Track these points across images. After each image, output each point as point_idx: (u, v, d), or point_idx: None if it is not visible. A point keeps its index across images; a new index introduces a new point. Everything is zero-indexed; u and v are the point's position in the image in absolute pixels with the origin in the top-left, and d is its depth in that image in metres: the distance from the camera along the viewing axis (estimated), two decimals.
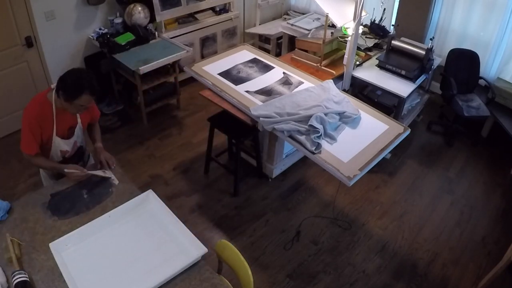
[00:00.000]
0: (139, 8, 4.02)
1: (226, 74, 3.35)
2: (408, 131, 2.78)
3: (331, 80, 3.25)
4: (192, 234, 1.94)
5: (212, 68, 3.41)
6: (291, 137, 2.71)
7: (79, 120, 2.28)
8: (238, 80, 3.27)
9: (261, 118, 2.83)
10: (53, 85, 2.10)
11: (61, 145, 2.27)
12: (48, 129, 2.15)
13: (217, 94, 3.17)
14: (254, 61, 3.57)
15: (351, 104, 2.97)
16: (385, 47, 3.95)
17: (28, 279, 1.70)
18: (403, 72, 3.61)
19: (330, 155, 2.56)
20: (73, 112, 2.15)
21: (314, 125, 2.64)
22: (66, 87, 1.99)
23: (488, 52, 4.17)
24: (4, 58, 3.61)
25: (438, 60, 3.96)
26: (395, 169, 3.76)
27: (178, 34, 4.38)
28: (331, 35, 3.77)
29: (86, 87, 2.00)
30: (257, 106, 2.93)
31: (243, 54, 3.68)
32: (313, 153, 2.56)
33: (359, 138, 2.70)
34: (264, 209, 3.29)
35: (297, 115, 2.78)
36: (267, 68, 3.47)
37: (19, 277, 1.68)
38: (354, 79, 3.71)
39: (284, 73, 3.41)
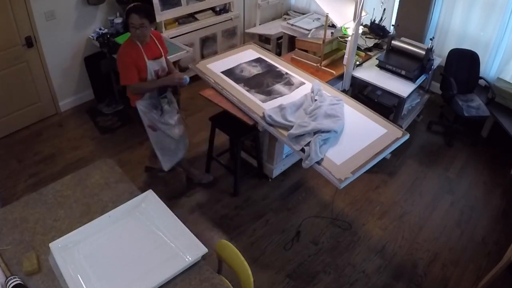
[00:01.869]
0: None
1: (229, 72, 3.35)
2: (407, 136, 2.73)
3: (320, 84, 3.17)
4: (192, 234, 1.94)
5: (216, 66, 3.42)
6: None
7: (162, 52, 2.90)
8: (240, 79, 3.27)
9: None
10: None
11: (153, 66, 2.82)
12: (141, 63, 2.75)
13: (219, 92, 3.18)
14: (258, 60, 3.57)
15: (342, 107, 2.92)
16: (385, 47, 3.95)
17: (22, 282, 1.70)
18: (403, 72, 3.61)
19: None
20: (137, 36, 2.69)
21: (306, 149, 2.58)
22: (127, 13, 2.61)
23: (488, 52, 4.17)
24: (4, 58, 3.61)
25: (438, 60, 3.96)
26: (395, 169, 3.76)
27: (178, 34, 4.39)
28: (331, 35, 3.77)
29: (133, 9, 2.61)
30: (268, 115, 2.83)
31: (248, 53, 3.69)
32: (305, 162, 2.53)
33: (355, 141, 2.67)
34: (264, 209, 3.29)
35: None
36: (270, 67, 3.47)
37: (14, 281, 1.68)
38: (354, 79, 3.71)
39: (286, 73, 3.41)
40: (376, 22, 4.23)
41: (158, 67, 2.88)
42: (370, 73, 3.72)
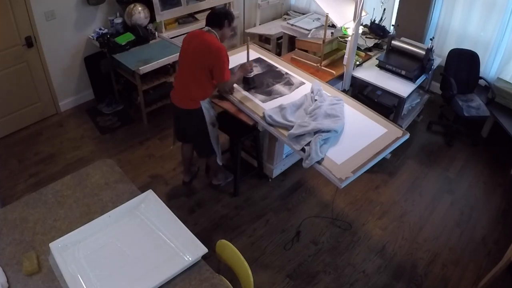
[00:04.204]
0: (139, 8, 4.02)
1: None
2: (407, 136, 2.73)
3: (319, 84, 3.16)
4: (192, 234, 1.94)
5: None
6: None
7: None
8: (240, 79, 3.26)
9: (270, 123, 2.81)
10: (206, 28, 2.82)
11: None
12: None
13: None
14: (258, 60, 3.57)
15: (343, 107, 2.92)
16: (385, 47, 3.95)
17: None
18: (403, 72, 3.61)
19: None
20: (229, 35, 2.98)
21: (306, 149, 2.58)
22: (230, 16, 2.86)
23: (488, 52, 4.17)
24: (4, 58, 3.61)
25: (438, 60, 3.96)
26: (395, 169, 3.76)
27: (178, 34, 4.38)
28: (331, 35, 3.77)
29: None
30: (269, 115, 2.83)
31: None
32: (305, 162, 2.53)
33: (355, 141, 2.67)
34: (264, 209, 3.29)
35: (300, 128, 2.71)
36: (270, 67, 3.47)
37: None
38: (354, 79, 3.71)
39: (286, 73, 3.41)
40: (376, 22, 4.23)
41: None
42: (370, 73, 3.72)
